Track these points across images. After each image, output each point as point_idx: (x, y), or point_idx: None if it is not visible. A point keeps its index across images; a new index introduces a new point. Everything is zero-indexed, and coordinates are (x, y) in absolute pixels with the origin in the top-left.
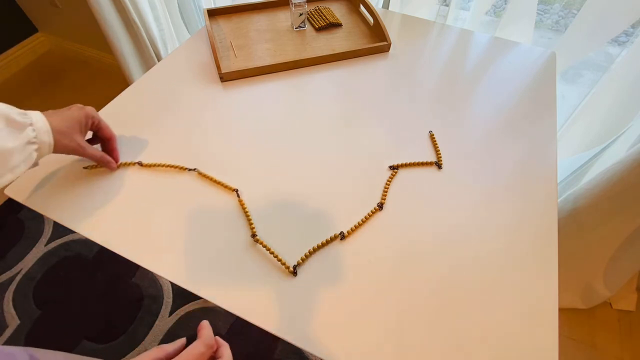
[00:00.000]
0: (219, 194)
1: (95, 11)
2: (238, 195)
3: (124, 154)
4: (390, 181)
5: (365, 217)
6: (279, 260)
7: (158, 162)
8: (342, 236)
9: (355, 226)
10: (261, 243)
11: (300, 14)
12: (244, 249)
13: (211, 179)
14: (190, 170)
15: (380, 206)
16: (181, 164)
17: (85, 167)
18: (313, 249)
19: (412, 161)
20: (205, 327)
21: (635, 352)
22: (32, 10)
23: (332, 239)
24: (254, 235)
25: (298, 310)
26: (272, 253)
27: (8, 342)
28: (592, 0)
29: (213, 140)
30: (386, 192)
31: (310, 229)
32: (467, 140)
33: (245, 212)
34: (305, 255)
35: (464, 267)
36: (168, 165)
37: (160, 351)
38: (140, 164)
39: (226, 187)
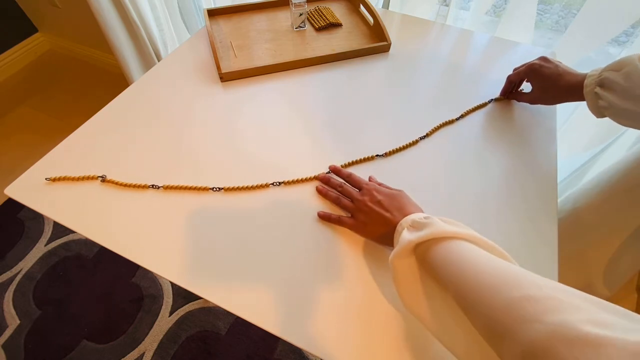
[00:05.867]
0: (218, 193)
1: (95, 11)
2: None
3: (124, 154)
4: None
5: None
6: None
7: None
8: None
9: None
10: None
11: (300, 14)
12: (243, 248)
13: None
14: (211, 188)
15: None
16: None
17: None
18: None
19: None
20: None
21: None
22: (32, 10)
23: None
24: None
25: (298, 310)
26: None
27: (8, 342)
28: (592, 0)
29: (213, 140)
30: None
31: (311, 229)
32: (467, 140)
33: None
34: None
35: None
36: (187, 188)
37: None
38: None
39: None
